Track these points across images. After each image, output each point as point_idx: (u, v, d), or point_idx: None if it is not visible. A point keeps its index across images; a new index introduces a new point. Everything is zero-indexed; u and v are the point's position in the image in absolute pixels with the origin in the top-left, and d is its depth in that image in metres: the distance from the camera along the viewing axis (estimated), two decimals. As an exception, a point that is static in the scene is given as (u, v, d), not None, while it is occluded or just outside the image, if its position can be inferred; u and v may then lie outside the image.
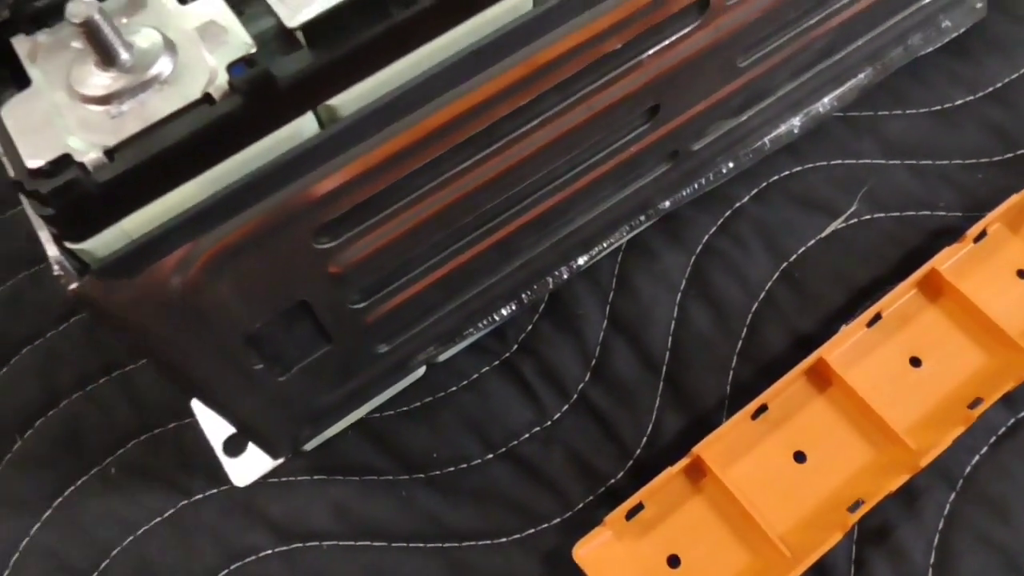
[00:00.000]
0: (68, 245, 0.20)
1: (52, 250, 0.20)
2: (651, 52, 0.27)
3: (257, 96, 0.20)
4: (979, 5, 0.42)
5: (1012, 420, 0.35)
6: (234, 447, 0.36)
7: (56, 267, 0.20)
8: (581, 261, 0.37)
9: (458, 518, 0.34)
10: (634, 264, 0.39)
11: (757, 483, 0.33)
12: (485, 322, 0.36)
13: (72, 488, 0.36)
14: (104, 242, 0.20)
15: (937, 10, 0.40)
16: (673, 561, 0.33)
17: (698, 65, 0.30)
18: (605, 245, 0.37)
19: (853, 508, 0.32)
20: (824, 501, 0.33)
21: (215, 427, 0.37)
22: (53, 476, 0.36)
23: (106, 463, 0.36)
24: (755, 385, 0.35)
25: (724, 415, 0.35)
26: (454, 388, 0.37)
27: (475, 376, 0.37)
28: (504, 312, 0.36)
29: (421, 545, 0.34)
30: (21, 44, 0.21)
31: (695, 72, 0.30)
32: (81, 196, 0.19)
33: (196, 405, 0.37)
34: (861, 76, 0.40)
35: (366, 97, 0.21)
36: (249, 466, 0.36)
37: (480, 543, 0.34)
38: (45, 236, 0.20)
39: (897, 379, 0.35)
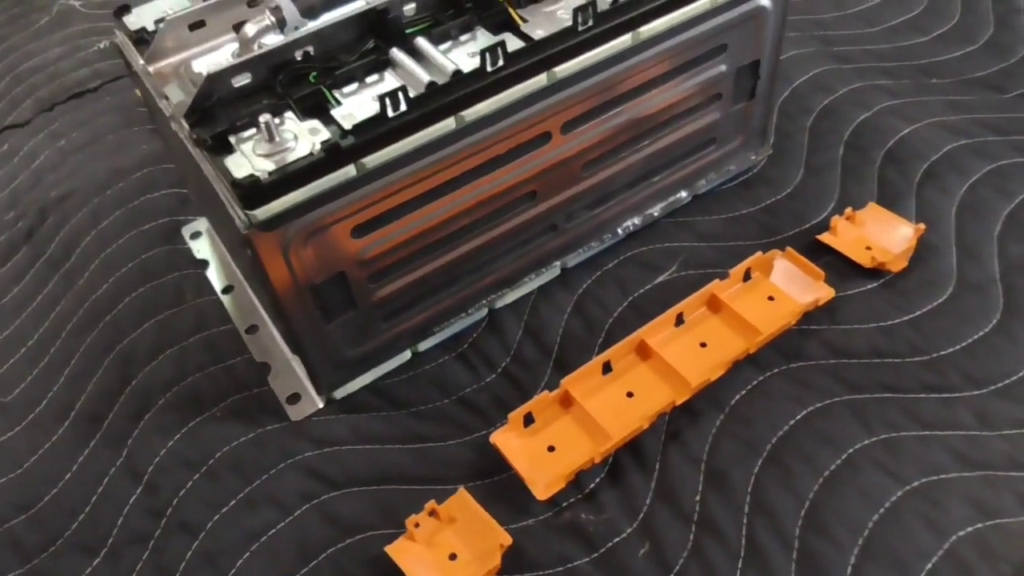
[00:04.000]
0: (247, 211, 0.46)
1: (237, 216, 0.46)
2: (525, 156, 0.54)
3: (331, 153, 0.46)
4: (753, 157, 0.70)
5: (761, 377, 0.57)
6: (292, 400, 0.60)
7: (239, 223, 0.46)
8: (505, 294, 0.62)
9: (424, 430, 0.57)
10: (540, 300, 0.64)
11: (604, 409, 0.55)
12: (446, 324, 0.60)
13: (193, 422, 0.59)
14: (261, 211, 0.46)
15: (721, 158, 0.68)
16: (551, 449, 0.54)
17: (554, 170, 0.57)
18: (521, 284, 0.63)
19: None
20: (643, 416, 0.55)
21: (282, 389, 0.60)
22: (182, 416, 0.59)
23: (214, 410, 0.60)
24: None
25: (589, 378, 0.59)
26: (427, 367, 0.61)
27: (441, 360, 0.61)
28: (461, 316, 0.61)
29: (400, 446, 0.56)
30: (232, 138, 0.48)
31: (553, 174, 0.57)
32: (256, 189, 0.45)
33: (271, 379, 0.61)
34: (681, 195, 0.67)
35: (378, 159, 0.48)
36: (301, 410, 0.59)
37: (437, 444, 0.56)
38: (234, 213, 0.47)
39: (691, 353, 0.58)
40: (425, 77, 0.49)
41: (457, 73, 0.49)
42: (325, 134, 0.48)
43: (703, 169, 0.67)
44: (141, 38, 0.58)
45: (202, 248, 0.71)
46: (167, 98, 0.53)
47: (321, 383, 0.58)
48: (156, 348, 0.64)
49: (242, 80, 0.50)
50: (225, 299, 0.67)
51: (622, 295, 0.63)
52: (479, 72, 0.49)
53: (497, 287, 0.62)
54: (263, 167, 0.46)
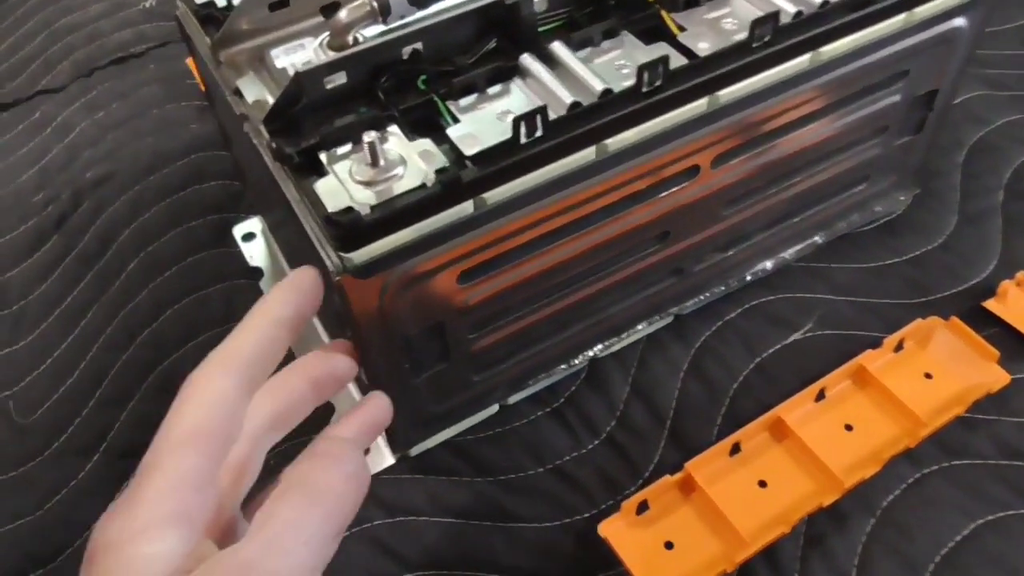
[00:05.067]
0: (341, 254, 0.37)
1: (328, 258, 0.37)
2: (664, 194, 0.45)
3: (449, 187, 0.37)
4: (902, 198, 0.60)
5: (918, 474, 0.48)
6: (359, 452, 0.51)
7: (331, 266, 0.37)
8: (612, 343, 0.53)
9: (515, 507, 0.48)
10: (650, 352, 0.54)
11: (730, 499, 0.47)
12: (543, 376, 0.51)
13: (242, 471, 0.51)
14: (359, 255, 0.37)
15: (869, 198, 0.58)
16: (668, 545, 0.46)
17: (694, 208, 0.47)
18: (630, 333, 0.53)
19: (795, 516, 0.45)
20: (778, 513, 0.46)
21: (346, 438, 0.52)
22: (230, 462, 0.51)
23: (267, 456, 0.51)
24: (733, 437, 0.49)
25: (710, 456, 0.49)
26: (517, 424, 0.52)
27: (533, 417, 0.52)
28: (560, 368, 0.52)
29: (488, 523, 0.48)
30: (323, 155, 0.39)
31: (693, 213, 0.48)
32: (356, 228, 0.36)
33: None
34: (816, 238, 0.58)
35: (501, 195, 0.39)
36: (369, 465, 0.50)
37: (531, 525, 0.47)
38: (324, 254, 0.37)
39: (834, 438, 0.49)
40: (567, 96, 0.40)
41: (607, 93, 0.40)
42: (439, 159, 0.38)
43: (847, 209, 0.57)
44: (209, 15, 0.48)
45: (256, 253, 0.62)
46: (240, 94, 0.44)
47: (398, 440, 0.49)
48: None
49: (337, 81, 0.41)
50: (281, 319, 0.58)
51: (748, 354, 0.54)
52: (633, 92, 0.40)
53: (605, 335, 0.53)
54: (363, 198, 0.37)
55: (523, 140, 0.38)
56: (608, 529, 0.45)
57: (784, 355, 0.54)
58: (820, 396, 0.51)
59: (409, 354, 0.43)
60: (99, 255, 0.63)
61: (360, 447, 0.28)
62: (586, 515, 0.48)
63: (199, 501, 0.25)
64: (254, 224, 0.64)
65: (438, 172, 0.38)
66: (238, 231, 0.64)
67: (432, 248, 0.39)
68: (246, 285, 0.60)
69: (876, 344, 0.53)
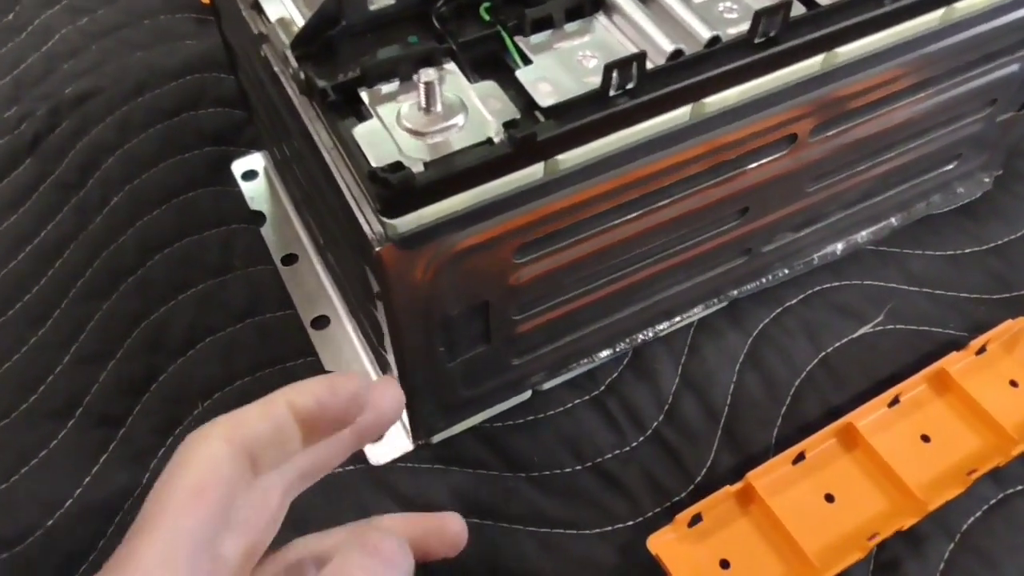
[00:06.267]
0: (383, 219, 0.30)
1: (367, 223, 0.30)
2: (753, 165, 0.38)
3: (521, 145, 0.30)
4: (987, 180, 0.54)
5: (1001, 494, 0.43)
6: (373, 434, 0.45)
7: (369, 233, 0.30)
8: (662, 328, 0.47)
9: (550, 510, 0.42)
10: (703, 338, 0.49)
11: (794, 513, 0.41)
12: (584, 361, 0.45)
13: (239, 447, 0.44)
14: (405, 222, 0.30)
15: (954, 179, 0.52)
16: (724, 564, 0.41)
17: (780, 183, 0.41)
18: (682, 317, 0.47)
19: (871, 539, 0.40)
20: (848, 533, 0.41)
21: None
22: (225, 436, 0.45)
23: (268, 432, 0.45)
24: (795, 441, 0.44)
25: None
26: (552, 412, 0.46)
27: (570, 405, 0.46)
28: (601, 355, 0.46)
29: (519, 527, 0.42)
30: (364, 93, 0.32)
31: (777, 188, 0.41)
32: (405, 188, 0.29)
33: (345, 398, 0.46)
34: (892, 220, 0.51)
35: (578, 158, 0.32)
36: (384, 450, 0.44)
37: (568, 531, 0.42)
38: (362, 217, 0.31)
39: (910, 449, 0.44)
40: (666, 42, 0.33)
41: (714, 41, 0.33)
42: (507, 109, 0.32)
43: (931, 190, 0.51)
44: (223, -91, 0.40)
45: (257, 195, 0.55)
46: (259, 9, 0.36)
47: (420, 426, 0.43)
48: (193, 332, 0.48)
49: (383, 1, 0.33)
50: (285, 272, 0.51)
51: (812, 347, 0.48)
52: (744, 43, 0.33)
53: (657, 319, 0.46)
54: (414, 151, 0.30)
55: (612, 92, 0.31)
56: (658, 543, 0.40)
57: (852, 350, 0.48)
58: (894, 401, 0.45)
59: (447, 336, 0.37)
60: (79, 184, 0.55)
61: (410, 555, 0.26)
62: (629, 523, 0.42)
63: (195, 568, 0.22)
64: (256, 160, 0.57)
65: (508, 126, 0.31)
66: (237, 168, 0.56)
67: (491, 217, 0.32)
68: (246, 230, 0.53)
69: (954, 343, 0.48)
